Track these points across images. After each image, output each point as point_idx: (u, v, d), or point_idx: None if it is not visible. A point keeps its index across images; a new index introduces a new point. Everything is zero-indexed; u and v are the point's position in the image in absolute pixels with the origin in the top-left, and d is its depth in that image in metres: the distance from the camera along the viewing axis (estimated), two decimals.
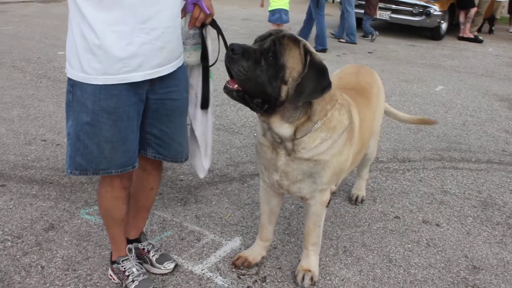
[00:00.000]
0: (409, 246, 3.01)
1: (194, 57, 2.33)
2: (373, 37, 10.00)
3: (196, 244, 2.92)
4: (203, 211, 3.28)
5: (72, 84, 2.08)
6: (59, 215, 3.12)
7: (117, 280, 2.50)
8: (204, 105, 2.39)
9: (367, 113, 2.77)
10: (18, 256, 2.72)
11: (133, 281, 2.43)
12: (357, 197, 3.48)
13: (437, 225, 3.26)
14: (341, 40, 9.86)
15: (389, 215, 3.35)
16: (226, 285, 2.58)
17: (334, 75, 3.20)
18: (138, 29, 1.98)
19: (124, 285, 2.45)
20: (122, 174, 2.23)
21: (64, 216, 3.10)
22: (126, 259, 2.48)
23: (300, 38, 2.15)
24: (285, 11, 7.99)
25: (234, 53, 2.01)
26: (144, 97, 2.17)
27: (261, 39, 2.14)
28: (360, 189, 3.51)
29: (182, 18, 2.22)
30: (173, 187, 3.58)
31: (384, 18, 10.24)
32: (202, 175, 2.56)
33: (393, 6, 10.10)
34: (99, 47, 1.97)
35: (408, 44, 9.95)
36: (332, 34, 10.09)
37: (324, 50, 8.62)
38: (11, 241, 2.85)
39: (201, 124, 2.44)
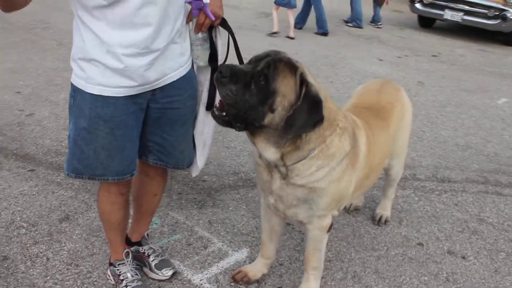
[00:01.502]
0: (426, 278, 2.79)
1: (203, 59, 2.24)
2: (379, 25, 10.39)
3: (202, 252, 2.87)
4: (218, 216, 3.22)
5: (74, 89, 2.06)
6: (76, 206, 3.18)
7: (113, 282, 2.50)
8: (209, 106, 2.29)
9: (382, 135, 2.57)
10: (28, 245, 2.80)
11: (126, 286, 2.42)
12: (380, 217, 3.28)
13: (463, 257, 3.01)
14: (348, 24, 10.37)
15: (412, 241, 3.13)
16: None
17: (356, 91, 3.02)
18: (134, 50, 1.93)
19: None
20: (119, 183, 2.21)
21: (81, 208, 3.15)
22: (122, 263, 2.47)
23: (298, 65, 1.97)
24: None
25: (222, 76, 1.88)
26: (145, 106, 2.13)
27: (256, 60, 1.98)
28: (385, 209, 3.31)
29: (188, 23, 2.14)
30: (194, 188, 3.54)
31: (455, 20, 9.63)
32: (194, 173, 2.46)
33: (466, 7, 9.46)
34: (96, 60, 1.94)
35: (479, 49, 9.31)
36: (345, 21, 10.51)
37: (325, 34, 9.06)
38: (25, 229, 2.93)
39: (203, 123, 2.34)
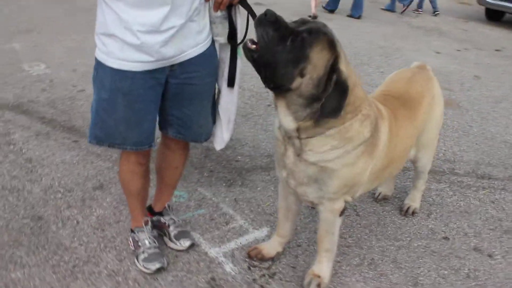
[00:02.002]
0: (445, 272, 2.72)
1: (223, 36, 2.29)
2: (404, 10, 10.44)
3: (223, 227, 2.95)
4: (245, 195, 3.28)
5: (97, 63, 2.18)
6: (111, 176, 3.34)
7: (132, 247, 2.63)
8: (230, 83, 2.34)
9: (407, 127, 2.51)
10: (62, 208, 2.99)
11: (143, 252, 2.54)
12: (408, 208, 3.22)
13: (489, 255, 2.90)
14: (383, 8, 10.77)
15: (438, 234, 3.05)
16: (233, 273, 2.58)
17: (388, 77, 2.95)
18: (156, 29, 2.01)
19: (136, 254, 2.57)
20: (137, 152, 2.32)
21: (115, 179, 3.31)
22: (141, 231, 2.59)
23: (338, 45, 1.98)
24: None
25: (266, 18, 1.90)
26: (163, 81, 2.21)
27: (302, 22, 1.99)
28: (414, 200, 3.24)
29: (207, 1, 2.19)
30: (226, 167, 3.62)
31: None
32: (219, 147, 2.51)
33: None
34: (116, 36, 2.05)
35: None
36: (383, 9, 10.80)
37: (359, 17, 9.51)
38: (61, 193, 3.13)
39: (226, 100, 2.39)
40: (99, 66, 2.16)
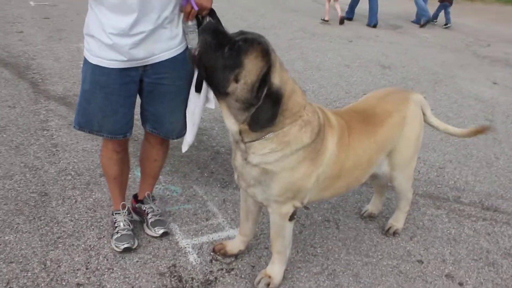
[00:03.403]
0: None
1: (193, 45, 2.50)
2: (427, 22, 11.24)
3: (202, 222, 3.15)
4: (234, 197, 3.45)
5: (84, 59, 2.50)
6: None
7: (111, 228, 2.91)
8: (197, 88, 2.53)
9: (362, 140, 2.56)
10: (67, 188, 3.35)
11: (117, 232, 2.81)
12: (390, 228, 3.22)
13: (460, 284, 2.84)
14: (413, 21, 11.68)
15: (413, 257, 3.03)
16: (194, 263, 2.77)
17: (364, 95, 3.02)
18: (126, 32, 2.29)
19: (111, 233, 2.85)
20: (114, 140, 2.60)
21: None
22: (118, 213, 2.87)
23: (272, 56, 2.11)
24: None
25: (208, 26, 2.11)
26: (138, 79, 2.48)
27: (242, 33, 2.15)
28: (397, 221, 3.23)
29: (181, 12, 2.43)
30: (228, 170, 3.81)
31: None
32: (184, 148, 2.71)
33: None
34: (95, 37, 2.35)
35: None
36: (412, 22, 11.67)
37: (375, 26, 10.56)
38: (72, 176, 3.51)
39: (193, 104, 2.58)
40: (84, 62, 2.48)
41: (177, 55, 2.49)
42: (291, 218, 2.50)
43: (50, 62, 5.84)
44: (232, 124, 2.22)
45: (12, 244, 2.77)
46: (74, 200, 3.23)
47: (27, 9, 8.72)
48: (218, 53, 2.07)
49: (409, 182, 3.06)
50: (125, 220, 2.85)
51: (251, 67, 2.07)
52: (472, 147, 4.74)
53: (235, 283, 2.65)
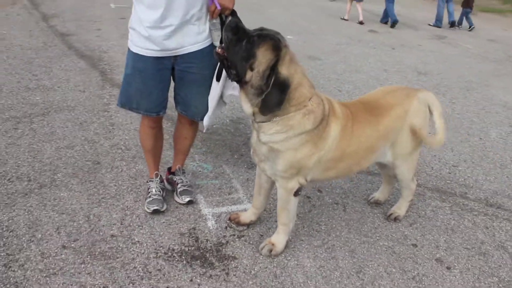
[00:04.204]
0: (393, 270, 2.78)
1: (216, 41, 2.70)
2: (471, 28, 12.16)
3: (224, 196, 3.35)
4: None
5: (128, 47, 2.76)
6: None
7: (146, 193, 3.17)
8: (217, 78, 2.71)
9: (365, 128, 2.66)
10: (116, 159, 3.65)
11: (150, 196, 3.06)
12: (391, 213, 3.27)
13: (448, 268, 2.86)
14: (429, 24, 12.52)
15: (409, 241, 3.07)
16: (211, 228, 2.97)
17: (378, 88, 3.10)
18: (157, 25, 2.52)
19: (145, 197, 3.10)
20: (149, 117, 2.85)
21: (165, 147, 3.87)
22: (151, 181, 3.11)
23: (283, 49, 2.26)
24: None
25: (229, 24, 2.30)
26: (170, 67, 2.70)
27: (261, 29, 2.33)
28: (399, 208, 3.28)
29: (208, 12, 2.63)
30: None
31: None
32: (204, 129, 2.91)
33: None
34: (135, 29, 2.60)
35: None
36: (429, 25, 12.42)
37: (393, 25, 11.41)
38: (122, 150, 3.80)
39: (214, 90, 2.76)
40: (128, 50, 2.73)
41: (204, 48, 2.68)
42: (295, 194, 2.65)
43: (119, 55, 6.24)
44: (247, 107, 2.40)
45: (65, 200, 3.09)
46: (120, 169, 3.52)
47: (107, 10, 9.29)
48: (237, 47, 2.26)
49: (411, 173, 3.10)
50: (157, 187, 3.09)
51: (262, 58, 2.25)
52: (489, 150, 4.64)
53: (243, 247, 2.83)
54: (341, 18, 11.60)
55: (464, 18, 12.41)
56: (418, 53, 8.79)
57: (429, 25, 12.41)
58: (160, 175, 3.18)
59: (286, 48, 2.31)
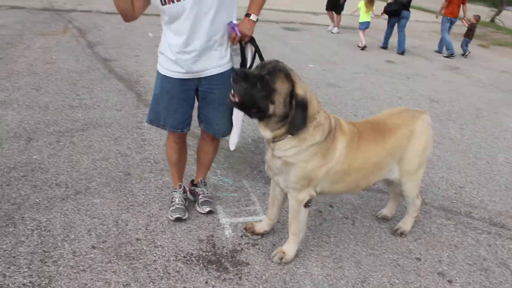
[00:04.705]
0: (396, 281, 2.77)
1: (236, 65, 2.81)
2: (466, 54, 11.96)
3: (242, 207, 3.40)
4: None
5: (157, 69, 2.89)
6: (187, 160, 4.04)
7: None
8: None
9: (370, 145, 2.69)
10: (145, 172, 3.76)
11: (173, 205, 3.15)
12: (398, 229, 3.26)
13: (449, 281, 2.83)
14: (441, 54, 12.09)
15: (413, 255, 3.05)
16: (228, 236, 3.02)
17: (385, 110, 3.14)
18: (182, 50, 2.64)
19: (170, 206, 3.19)
20: (174, 133, 2.96)
21: (189, 162, 3.99)
22: (175, 191, 3.21)
23: (292, 75, 2.35)
24: (368, 23, 11.42)
25: (237, 76, 2.35)
26: (194, 88, 2.82)
27: (261, 66, 2.40)
28: (405, 224, 3.26)
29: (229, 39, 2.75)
30: None
31: None
32: (231, 147, 2.95)
33: None
34: (164, 53, 2.73)
35: None
36: (435, 51, 12.19)
37: (402, 53, 11.21)
38: (151, 163, 3.92)
39: (237, 112, 2.83)
40: (157, 72, 2.87)
41: (225, 71, 2.79)
42: (306, 205, 2.69)
43: (154, 79, 6.41)
44: (268, 134, 2.48)
45: (97, 206, 3.20)
46: (148, 181, 3.63)
47: (146, 39, 9.61)
48: (253, 90, 2.33)
49: (416, 190, 3.09)
50: (179, 197, 3.18)
51: (281, 89, 2.33)
52: (496, 173, 4.56)
53: (256, 254, 2.87)
54: (358, 46, 11.65)
55: (464, 45, 12.28)
56: (431, 82, 8.74)
57: (444, 56, 12.28)
58: (184, 186, 3.27)
59: (292, 71, 2.39)
